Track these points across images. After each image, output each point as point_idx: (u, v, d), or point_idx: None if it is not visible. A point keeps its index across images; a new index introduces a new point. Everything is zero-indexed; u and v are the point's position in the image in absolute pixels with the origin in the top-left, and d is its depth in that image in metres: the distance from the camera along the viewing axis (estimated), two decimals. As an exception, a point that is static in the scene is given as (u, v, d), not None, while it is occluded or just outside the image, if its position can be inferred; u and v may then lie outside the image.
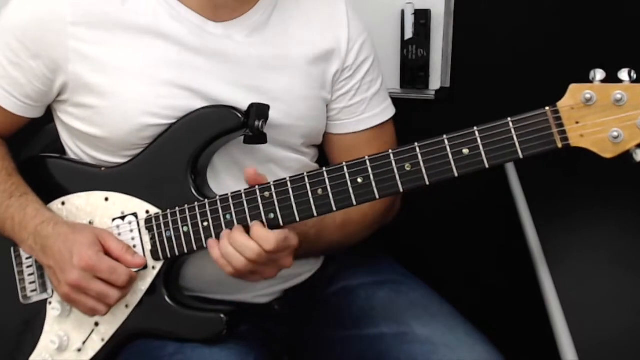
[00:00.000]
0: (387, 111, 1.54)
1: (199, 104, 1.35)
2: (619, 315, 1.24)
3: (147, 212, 1.37)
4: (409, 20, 1.89)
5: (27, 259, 1.45)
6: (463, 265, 2.11)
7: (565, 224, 1.50)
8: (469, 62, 1.95)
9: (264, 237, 1.24)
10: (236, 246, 1.25)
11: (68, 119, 1.41)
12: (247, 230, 1.27)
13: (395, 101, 1.60)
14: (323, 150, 1.56)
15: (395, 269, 1.55)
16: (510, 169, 1.75)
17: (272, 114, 1.35)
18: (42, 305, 1.44)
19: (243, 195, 1.29)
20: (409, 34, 1.89)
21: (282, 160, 1.44)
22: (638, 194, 1.57)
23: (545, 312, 1.26)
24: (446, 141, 1.18)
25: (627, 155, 1.10)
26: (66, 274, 1.30)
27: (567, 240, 1.45)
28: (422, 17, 1.88)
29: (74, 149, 1.45)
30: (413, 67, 1.91)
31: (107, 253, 1.33)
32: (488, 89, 1.95)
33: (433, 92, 1.95)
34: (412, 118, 1.79)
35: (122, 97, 1.34)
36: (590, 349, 1.14)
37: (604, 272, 1.36)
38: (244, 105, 1.34)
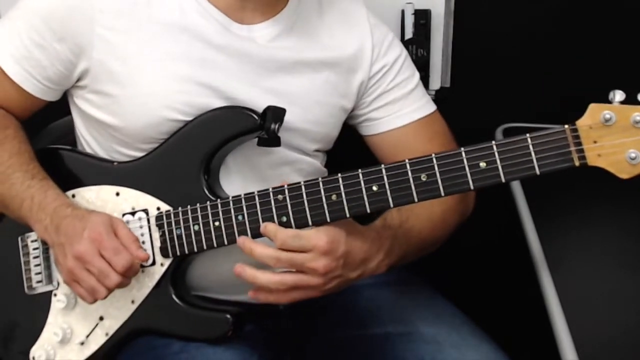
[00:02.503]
0: (427, 105, 1.51)
1: (217, 102, 1.35)
2: (619, 315, 1.26)
3: (158, 208, 1.36)
4: (409, 20, 1.90)
5: (34, 249, 1.44)
6: (463, 266, 2.13)
7: (565, 224, 1.52)
8: (469, 62, 1.97)
9: (272, 232, 1.25)
10: (259, 259, 1.25)
11: (85, 106, 1.41)
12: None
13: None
14: (354, 154, 1.52)
15: (398, 270, 1.55)
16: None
17: (288, 117, 1.35)
18: (46, 297, 1.44)
19: (256, 197, 1.29)
20: (409, 34, 1.91)
21: (294, 163, 1.44)
22: (638, 195, 1.60)
23: (546, 312, 1.27)
24: (463, 154, 1.18)
25: (643, 176, 1.12)
26: (74, 245, 1.29)
27: (567, 241, 1.47)
28: (422, 17, 1.90)
29: (87, 137, 1.45)
30: (413, 67, 1.92)
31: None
32: (488, 89, 1.97)
33: (433, 92, 1.97)
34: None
35: (143, 89, 1.34)
36: (590, 349, 1.16)
37: (604, 272, 1.38)
38: (260, 106, 1.35)
